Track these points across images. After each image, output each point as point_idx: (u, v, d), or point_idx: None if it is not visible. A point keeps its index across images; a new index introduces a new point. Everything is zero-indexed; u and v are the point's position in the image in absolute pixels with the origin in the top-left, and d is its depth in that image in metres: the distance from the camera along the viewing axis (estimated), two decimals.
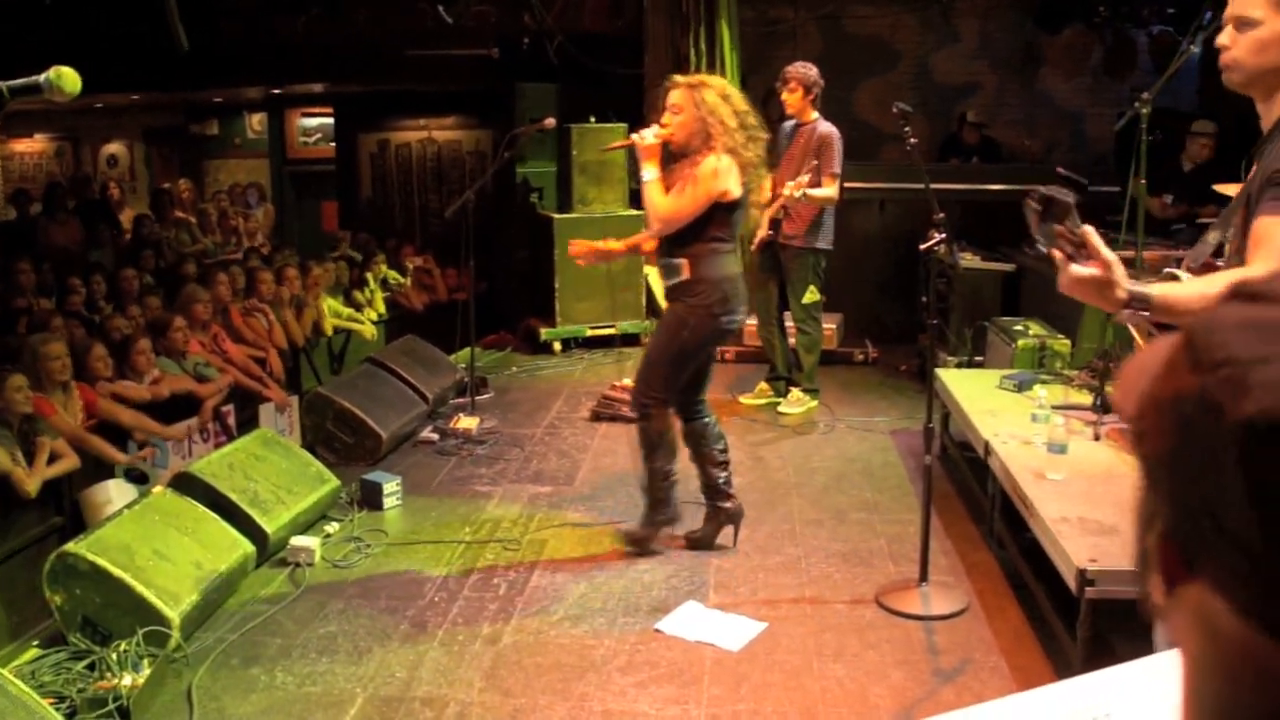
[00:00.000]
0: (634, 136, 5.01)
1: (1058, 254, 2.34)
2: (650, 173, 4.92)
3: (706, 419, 5.19)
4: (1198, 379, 0.68)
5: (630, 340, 9.27)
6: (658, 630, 4.43)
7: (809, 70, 7.08)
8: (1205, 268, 2.74)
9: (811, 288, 7.19)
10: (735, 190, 4.84)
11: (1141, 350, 0.81)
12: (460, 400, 7.63)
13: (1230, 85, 2.57)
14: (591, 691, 3.98)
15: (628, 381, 7.51)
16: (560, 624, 4.52)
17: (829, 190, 6.95)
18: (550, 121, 7.63)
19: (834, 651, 4.25)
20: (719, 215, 4.85)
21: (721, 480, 5.20)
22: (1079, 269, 2.27)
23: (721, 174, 4.79)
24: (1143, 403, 0.74)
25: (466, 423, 7.02)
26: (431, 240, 12.01)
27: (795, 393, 7.45)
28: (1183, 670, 0.73)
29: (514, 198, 10.28)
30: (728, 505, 5.23)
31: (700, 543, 5.23)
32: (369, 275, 9.73)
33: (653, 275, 9.22)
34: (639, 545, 5.19)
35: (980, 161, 9.84)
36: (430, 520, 5.69)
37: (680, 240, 4.90)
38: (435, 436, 6.94)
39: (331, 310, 9.06)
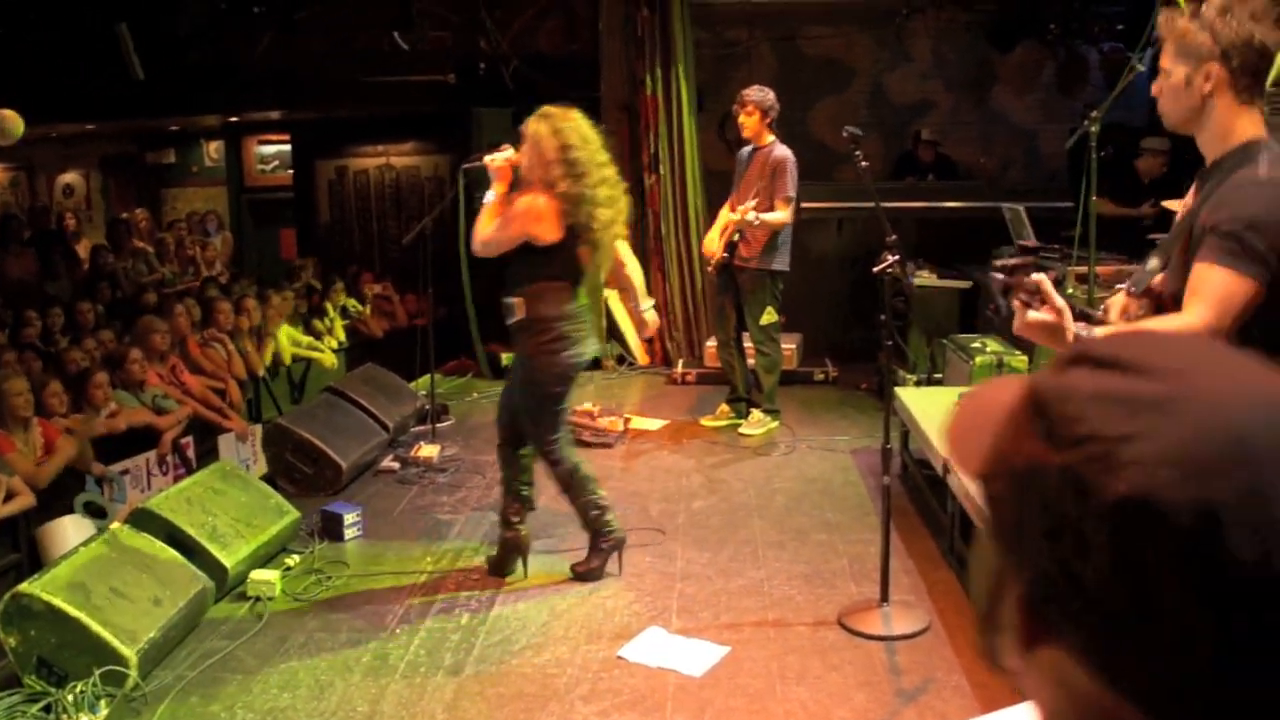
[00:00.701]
0: (486, 159, 5.01)
1: (1015, 302, 2.57)
2: (491, 195, 4.94)
3: (526, 451, 5.20)
4: (1058, 455, 0.70)
5: (591, 364, 9.22)
6: (620, 657, 4.42)
7: (765, 94, 7.13)
8: (1146, 293, 2.81)
9: (769, 309, 7.22)
10: (547, 234, 4.76)
11: (977, 392, 0.82)
12: (421, 428, 7.61)
13: (1170, 129, 2.76)
14: None
15: (589, 405, 7.52)
16: (523, 653, 4.50)
17: (781, 214, 6.98)
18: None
19: (797, 674, 4.26)
20: (541, 255, 4.79)
21: (512, 510, 5.22)
22: (1035, 314, 2.48)
23: (532, 214, 4.75)
24: (992, 465, 0.75)
25: (428, 451, 7.00)
26: (391, 267, 11.99)
27: (756, 414, 7.47)
28: None
29: (473, 223, 10.24)
30: (510, 535, 5.25)
31: (494, 568, 5.29)
32: (328, 303, 9.70)
33: (613, 299, 9.24)
34: (591, 576, 5.17)
35: (936, 179, 9.92)
36: (392, 551, 5.67)
37: (514, 279, 4.90)
38: (396, 465, 6.90)
39: (291, 339, 9.03)
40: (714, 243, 7.27)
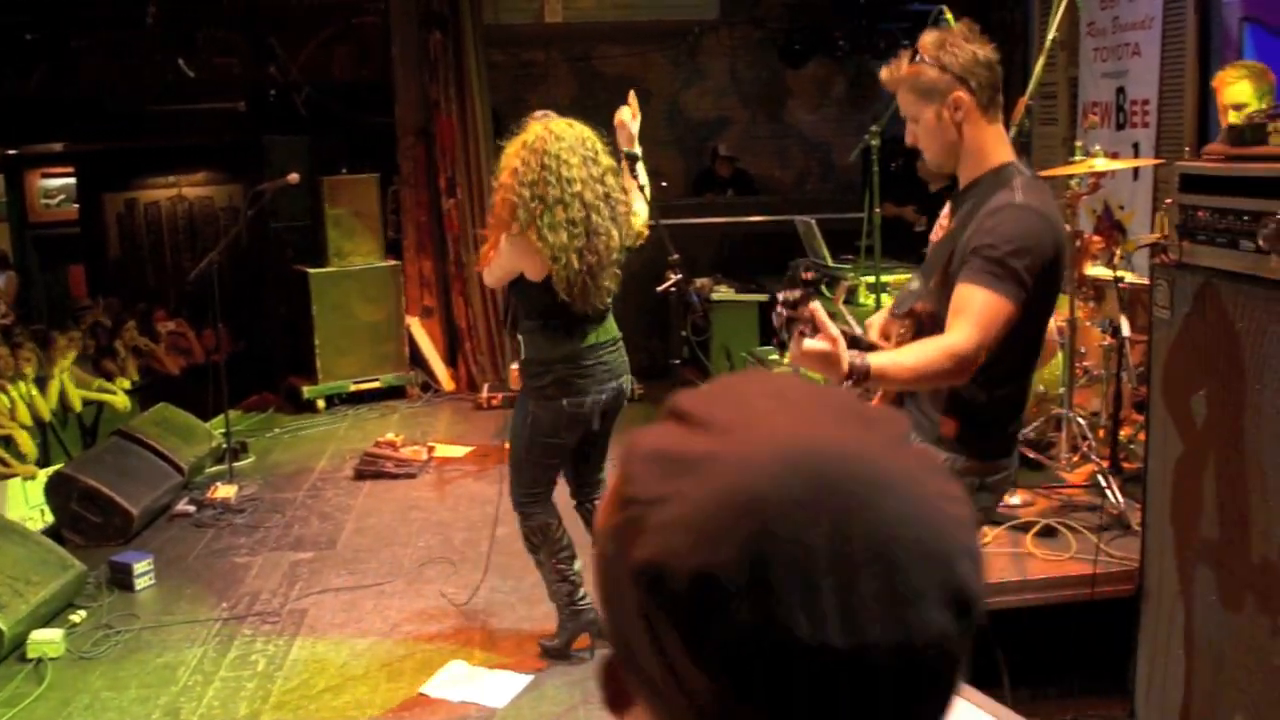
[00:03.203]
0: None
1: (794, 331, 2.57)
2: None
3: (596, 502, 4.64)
4: (614, 515, 0.69)
5: (395, 393, 9.10)
6: (422, 694, 4.36)
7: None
8: (909, 314, 2.90)
9: None
10: (532, 270, 4.31)
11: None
12: (219, 468, 7.36)
13: (936, 172, 2.89)
14: None
15: (391, 436, 7.39)
16: (321, 696, 4.39)
17: None
18: (293, 177, 7.42)
19: (599, 698, 4.23)
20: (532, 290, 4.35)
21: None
22: (811, 343, 2.49)
23: (518, 249, 4.31)
24: (600, 521, 0.74)
25: (224, 491, 6.77)
26: (187, 301, 11.58)
27: None
28: None
29: (269, 253, 10.00)
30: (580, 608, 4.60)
31: (553, 651, 4.63)
32: (119, 343, 9.33)
33: (414, 325, 9.14)
34: (556, 655, 4.60)
35: (734, 194, 10.07)
36: (185, 598, 5.45)
37: (516, 315, 4.51)
38: (191, 509, 6.64)
39: (79, 381, 8.65)
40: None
